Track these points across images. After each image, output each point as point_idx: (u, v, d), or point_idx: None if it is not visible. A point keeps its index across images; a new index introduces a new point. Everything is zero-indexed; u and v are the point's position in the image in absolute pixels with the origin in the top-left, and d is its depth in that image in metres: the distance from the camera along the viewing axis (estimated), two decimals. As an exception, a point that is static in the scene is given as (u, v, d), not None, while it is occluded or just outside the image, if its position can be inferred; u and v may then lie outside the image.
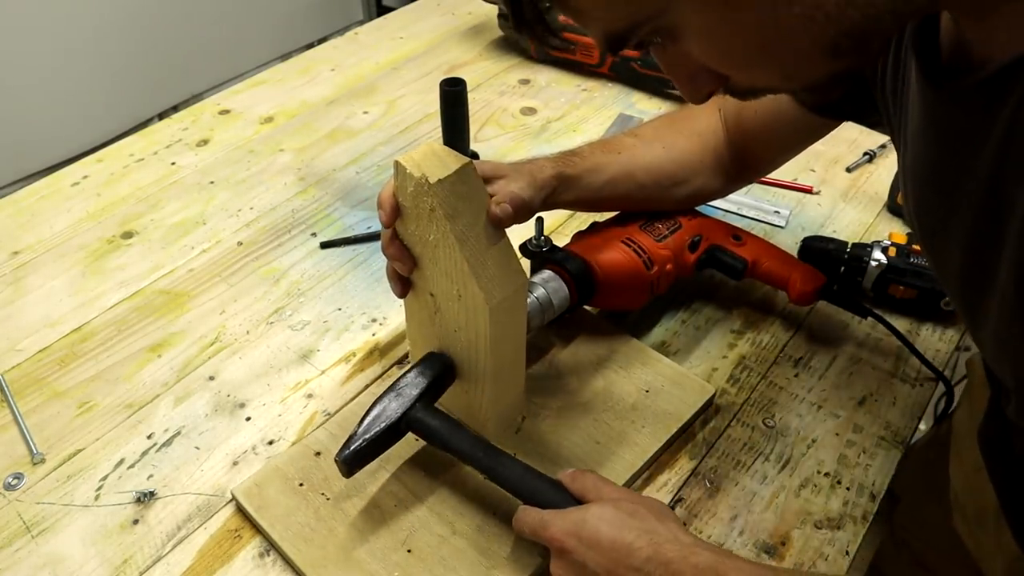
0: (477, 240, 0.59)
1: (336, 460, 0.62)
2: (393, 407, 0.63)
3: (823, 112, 0.72)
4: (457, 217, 0.58)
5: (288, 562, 0.62)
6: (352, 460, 0.62)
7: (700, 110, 0.80)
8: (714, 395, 0.74)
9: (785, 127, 0.75)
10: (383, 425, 0.62)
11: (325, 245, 0.93)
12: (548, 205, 0.72)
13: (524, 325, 0.66)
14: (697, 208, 0.84)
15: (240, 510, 0.66)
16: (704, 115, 0.80)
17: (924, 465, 0.84)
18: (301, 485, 0.66)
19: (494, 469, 0.61)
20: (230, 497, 0.67)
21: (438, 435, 0.63)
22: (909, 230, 0.90)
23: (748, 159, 0.80)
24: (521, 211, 0.65)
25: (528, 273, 0.78)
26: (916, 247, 0.84)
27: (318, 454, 0.68)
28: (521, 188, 0.66)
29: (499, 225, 0.61)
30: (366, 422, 0.63)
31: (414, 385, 0.65)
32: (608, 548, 0.53)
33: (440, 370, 0.66)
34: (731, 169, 0.81)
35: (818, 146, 1.08)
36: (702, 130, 0.80)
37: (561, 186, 0.72)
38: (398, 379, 0.65)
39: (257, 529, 0.65)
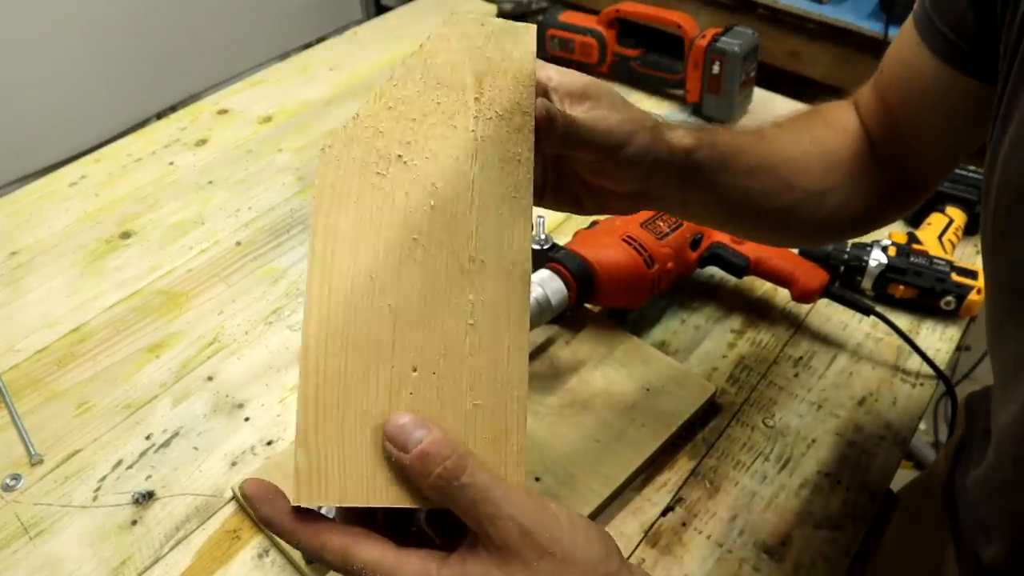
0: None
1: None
2: None
3: (968, 70, 0.52)
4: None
5: (288, 560, 0.62)
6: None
7: (835, 106, 0.63)
8: (714, 394, 0.74)
9: (935, 104, 0.55)
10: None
11: (324, 245, 0.92)
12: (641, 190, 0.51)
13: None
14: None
15: (240, 507, 0.66)
16: (842, 110, 0.63)
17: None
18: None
19: None
20: (229, 497, 0.67)
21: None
22: (910, 229, 0.90)
23: (905, 161, 0.60)
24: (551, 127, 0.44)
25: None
26: (915, 247, 0.84)
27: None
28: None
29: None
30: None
31: None
32: None
33: None
34: (879, 183, 0.61)
35: (817, 145, 1.08)
36: (846, 125, 0.61)
37: (679, 165, 0.50)
38: None
39: (257, 527, 0.65)
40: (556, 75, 0.48)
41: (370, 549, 0.37)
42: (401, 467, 0.37)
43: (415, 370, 0.37)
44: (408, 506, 0.37)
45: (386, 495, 0.37)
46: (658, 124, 0.50)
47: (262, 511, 0.39)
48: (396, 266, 0.38)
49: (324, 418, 0.36)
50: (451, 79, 0.42)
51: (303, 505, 0.37)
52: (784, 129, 0.60)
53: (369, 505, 0.37)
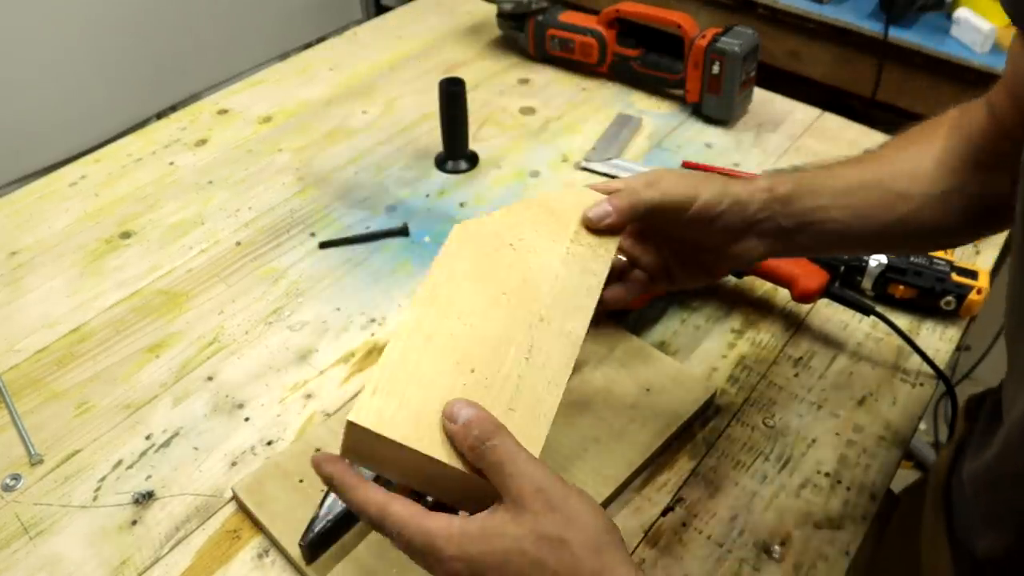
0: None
1: (300, 545, 0.60)
2: None
3: None
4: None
5: (288, 559, 0.62)
6: (317, 543, 0.60)
7: (964, 109, 0.62)
8: (714, 394, 0.74)
9: None
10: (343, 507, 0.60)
11: (324, 245, 0.92)
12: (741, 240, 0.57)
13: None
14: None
15: (240, 506, 0.66)
16: (971, 111, 0.61)
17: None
18: (301, 482, 0.66)
19: None
20: (229, 497, 0.67)
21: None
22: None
23: None
24: (627, 212, 0.54)
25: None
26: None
27: (319, 451, 0.68)
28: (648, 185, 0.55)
29: (592, 225, 0.55)
30: (328, 501, 0.61)
31: None
32: None
33: None
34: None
35: (818, 145, 1.08)
36: (963, 124, 0.61)
37: (762, 202, 0.56)
38: None
39: (257, 526, 0.65)
40: (620, 184, 0.57)
41: (404, 507, 0.43)
42: (450, 435, 0.44)
43: (473, 371, 0.47)
44: (445, 460, 0.44)
45: (431, 446, 0.44)
46: (730, 178, 0.57)
47: (325, 468, 0.46)
48: (485, 305, 0.51)
49: (399, 377, 0.46)
50: (559, 214, 0.57)
51: (362, 423, 0.43)
52: (891, 145, 0.62)
53: (416, 447, 0.43)
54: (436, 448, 0.44)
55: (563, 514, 0.41)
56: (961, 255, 0.89)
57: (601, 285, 0.54)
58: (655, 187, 0.55)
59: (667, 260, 0.61)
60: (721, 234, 0.57)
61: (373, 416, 0.44)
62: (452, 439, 0.44)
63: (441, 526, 0.42)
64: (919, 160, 0.60)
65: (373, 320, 0.83)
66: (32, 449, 0.70)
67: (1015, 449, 0.49)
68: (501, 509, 0.42)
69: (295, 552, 0.61)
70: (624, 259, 0.61)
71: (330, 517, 0.61)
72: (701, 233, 0.57)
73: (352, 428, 0.44)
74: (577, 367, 0.74)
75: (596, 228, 0.55)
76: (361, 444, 0.45)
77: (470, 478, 0.44)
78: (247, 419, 0.74)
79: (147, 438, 0.72)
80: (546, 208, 0.57)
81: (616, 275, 0.60)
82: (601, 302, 0.55)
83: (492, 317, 0.50)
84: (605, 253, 0.55)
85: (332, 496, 0.61)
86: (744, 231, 0.57)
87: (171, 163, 1.06)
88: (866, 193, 0.58)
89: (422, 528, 0.42)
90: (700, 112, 1.13)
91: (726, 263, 0.60)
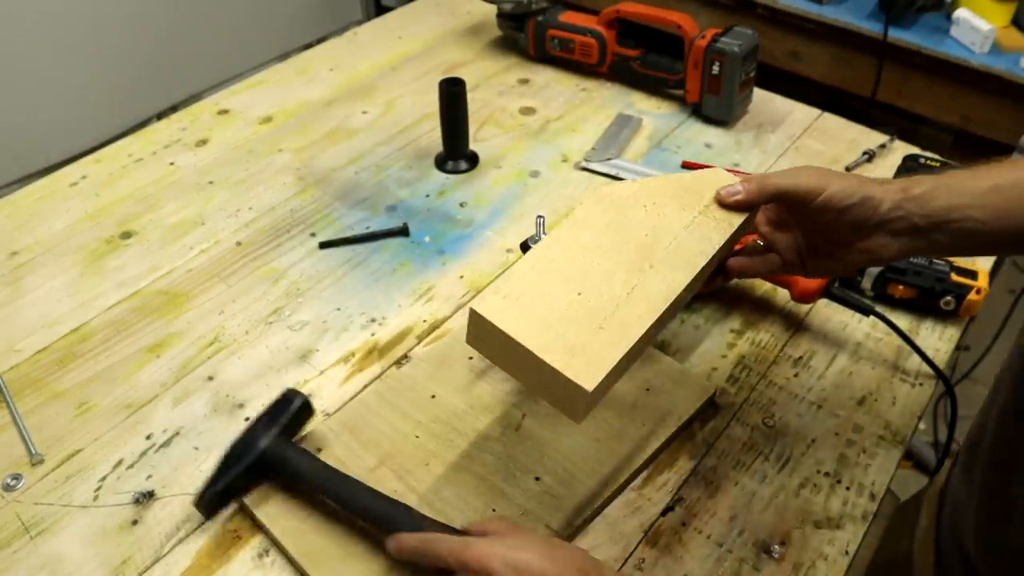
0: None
1: (194, 504, 0.64)
2: (251, 446, 0.64)
3: None
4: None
5: (288, 558, 0.62)
6: (211, 503, 0.64)
7: None
8: (714, 394, 0.74)
9: None
10: (242, 466, 0.64)
11: (324, 245, 0.93)
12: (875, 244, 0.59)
13: None
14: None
15: (240, 506, 0.66)
16: None
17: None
18: (301, 483, 0.66)
19: (351, 502, 0.62)
20: (229, 497, 0.67)
21: (297, 470, 0.64)
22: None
23: None
24: (754, 192, 0.60)
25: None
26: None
27: (319, 450, 0.68)
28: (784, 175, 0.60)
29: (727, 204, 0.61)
30: (224, 461, 0.65)
31: (272, 423, 0.66)
32: None
33: (298, 407, 0.67)
34: None
35: (817, 145, 1.08)
36: None
37: (894, 202, 0.58)
38: (256, 418, 0.66)
39: (257, 526, 0.65)
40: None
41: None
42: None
43: (580, 294, 0.55)
44: (538, 353, 0.52)
45: (529, 338, 0.52)
46: (867, 178, 0.59)
47: (407, 544, 0.57)
48: (607, 247, 0.59)
49: (519, 286, 0.55)
50: (695, 190, 0.63)
51: (481, 312, 0.54)
52: None
53: (518, 339, 0.52)
54: (533, 342, 0.52)
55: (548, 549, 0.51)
56: (961, 255, 0.89)
57: (714, 251, 0.60)
58: (787, 175, 0.60)
59: (800, 248, 0.64)
60: (850, 228, 0.59)
61: (493, 309, 0.53)
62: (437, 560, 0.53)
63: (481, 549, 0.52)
64: None
65: (373, 320, 0.84)
66: (33, 449, 0.71)
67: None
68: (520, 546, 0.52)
69: (296, 551, 0.61)
70: (760, 242, 0.66)
71: (224, 479, 0.64)
72: (830, 225, 0.60)
73: (473, 314, 0.54)
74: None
75: (725, 204, 0.62)
76: (479, 329, 0.54)
77: (557, 373, 0.51)
78: (247, 419, 0.74)
79: (147, 438, 0.72)
80: (685, 183, 0.64)
81: (748, 252, 0.66)
82: (724, 269, 0.64)
83: (609, 257, 0.58)
84: (728, 227, 0.61)
85: (227, 456, 0.65)
86: (875, 228, 0.59)
87: (171, 163, 1.06)
88: (1008, 192, 0.58)
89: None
90: (700, 112, 1.13)
91: (859, 258, 0.61)
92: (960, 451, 0.59)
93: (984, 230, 0.57)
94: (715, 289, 0.72)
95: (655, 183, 0.63)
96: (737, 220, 0.62)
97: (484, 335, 0.54)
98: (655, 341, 0.80)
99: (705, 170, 0.66)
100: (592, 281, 0.56)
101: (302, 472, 0.63)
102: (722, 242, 0.60)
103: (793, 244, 0.64)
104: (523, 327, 0.53)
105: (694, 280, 0.58)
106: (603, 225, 0.60)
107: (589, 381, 0.50)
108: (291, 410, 0.66)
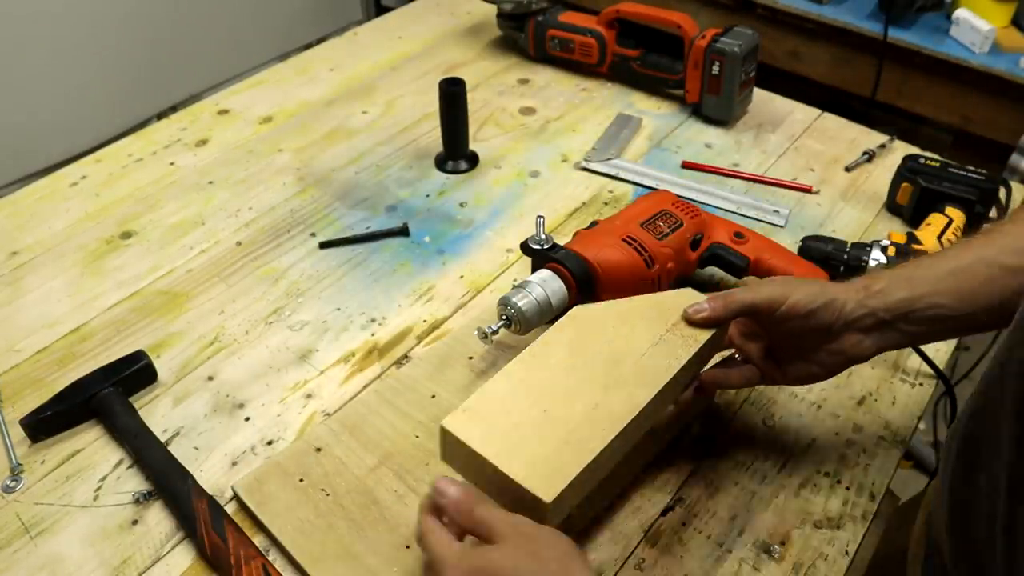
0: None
1: (21, 423, 0.71)
2: (86, 388, 0.72)
3: None
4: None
5: (288, 558, 0.62)
6: (35, 427, 0.71)
7: None
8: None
9: None
10: (71, 402, 0.72)
11: (324, 245, 0.93)
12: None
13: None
14: (698, 204, 0.84)
15: (240, 506, 0.66)
16: None
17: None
18: (301, 481, 0.66)
19: (149, 463, 0.68)
20: (230, 496, 0.67)
21: (115, 422, 0.71)
22: (909, 229, 0.90)
23: None
24: (720, 309, 0.62)
25: (530, 271, 0.78)
26: (915, 246, 0.84)
27: (319, 450, 0.68)
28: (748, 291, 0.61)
29: (692, 321, 0.63)
30: (60, 394, 0.72)
31: (112, 374, 0.74)
32: None
33: (139, 367, 0.75)
34: None
35: (817, 146, 1.08)
36: None
37: (857, 300, 0.59)
38: (101, 367, 0.75)
39: (257, 525, 0.65)
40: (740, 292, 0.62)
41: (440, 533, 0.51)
42: (442, 508, 0.51)
43: (545, 411, 0.57)
44: (503, 469, 0.53)
45: (496, 455, 0.54)
46: (829, 282, 0.61)
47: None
48: (573, 366, 0.60)
49: (487, 404, 0.57)
50: (664, 309, 0.65)
51: (449, 429, 0.55)
52: (997, 226, 0.61)
53: (483, 453, 0.53)
54: (496, 456, 0.53)
55: (536, 539, 0.49)
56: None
57: (680, 366, 0.61)
58: (750, 290, 0.61)
59: (775, 357, 0.65)
60: (818, 332, 0.60)
61: (460, 426, 0.55)
62: (444, 511, 0.51)
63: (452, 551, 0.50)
64: None
65: (373, 320, 0.84)
66: (14, 460, 0.70)
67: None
68: (491, 547, 0.49)
69: (296, 550, 0.61)
70: (736, 355, 0.68)
71: (56, 408, 0.71)
72: (798, 331, 0.60)
73: (443, 430, 0.56)
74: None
75: (692, 321, 0.63)
76: (449, 445, 0.56)
77: (518, 486, 0.52)
78: (247, 419, 0.74)
79: (147, 438, 0.72)
80: (654, 303, 0.66)
81: (725, 364, 0.68)
82: (701, 386, 0.66)
83: (576, 375, 0.60)
84: (695, 344, 0.62)
85: (66, 391, 0.73)
86: (844, 328, 0.60)
87: (171, 163, 1.06)
88: (967, 274, 0.58)
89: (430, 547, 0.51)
90: (700, 112, 1.13)
91: (835, 359, 0.62)
92: (941, 449, 0.59)
93: (952, 314, 0.58)
94: (700, 411, 0.73)
95: (626, 304, 0.66)
96: (703, 336, 0.63)
97: (454, 451, 0.56)
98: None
99: (675, 291, 0.67)
100: (558, 399, 0.58)
101: (119, 424, 0.71)
102: (687, 357, 0.61)
103: (765, 353, 0.65)
104: (488, 442, 0.54)
105: (659, 395, 0.59)
106: (573, 345, 0.62)
107: (549, 493, 0.51)
108: (132, 369, 0.74)
